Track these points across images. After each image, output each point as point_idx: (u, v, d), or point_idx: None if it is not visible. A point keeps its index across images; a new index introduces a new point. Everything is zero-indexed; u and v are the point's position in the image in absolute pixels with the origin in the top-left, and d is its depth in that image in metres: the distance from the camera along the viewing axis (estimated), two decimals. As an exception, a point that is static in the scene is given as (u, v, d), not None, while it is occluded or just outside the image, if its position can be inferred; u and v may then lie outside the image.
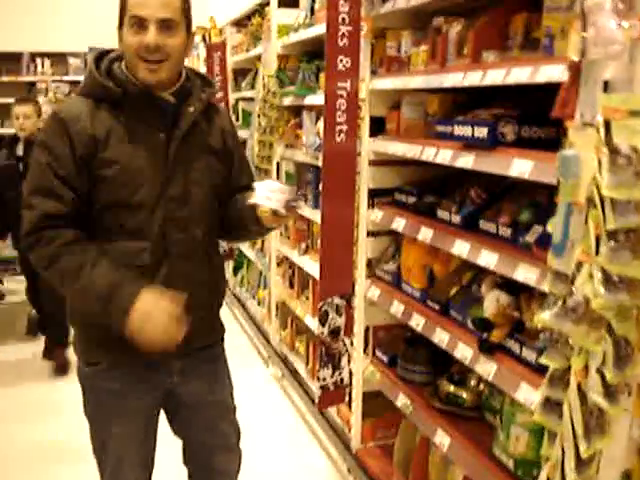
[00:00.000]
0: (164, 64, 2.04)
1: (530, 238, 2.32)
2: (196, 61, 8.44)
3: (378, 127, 3.37)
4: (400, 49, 3.29)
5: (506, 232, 2.51)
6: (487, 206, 2.75)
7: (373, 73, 3.32)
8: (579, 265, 1.68)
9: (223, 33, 7.22)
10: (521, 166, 2.15)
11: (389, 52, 3.36)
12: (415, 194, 3.21)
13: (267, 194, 2.08)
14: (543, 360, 1.86)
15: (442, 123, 2.84)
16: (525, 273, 2.21)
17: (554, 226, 1.76)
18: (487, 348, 2.43)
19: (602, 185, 1.59)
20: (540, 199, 2.54)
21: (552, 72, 2.01)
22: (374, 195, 3.40)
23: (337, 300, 3.30)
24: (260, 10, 5.62)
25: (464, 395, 2.96)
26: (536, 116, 2.38)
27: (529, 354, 2.30)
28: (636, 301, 1.63)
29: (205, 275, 2.22)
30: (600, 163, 1.60)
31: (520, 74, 2.18)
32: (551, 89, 1.89)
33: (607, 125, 1.60)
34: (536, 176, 2.08)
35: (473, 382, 3.02)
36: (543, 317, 1.72)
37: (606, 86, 1.64)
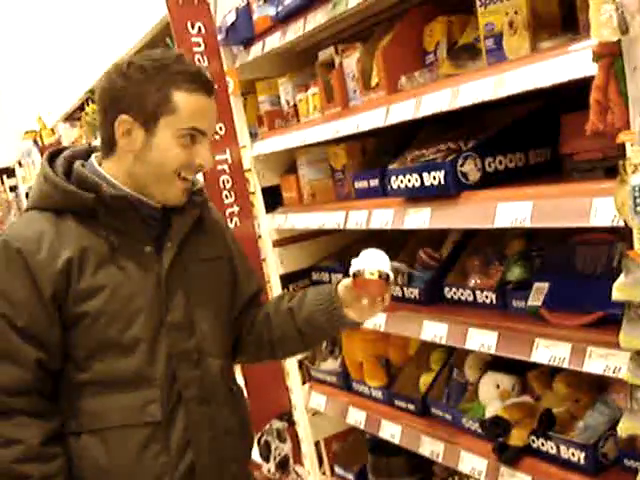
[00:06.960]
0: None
1: (535, 301, 1.73)
2: (32, 169, 7.55)
3: (273, 199, 2.74)
4: (279, 101, 2.69)
5: (490, 298, 1.92)
6: (446, 268, 2.16)
7: (253, 136, 2.70)
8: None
9: (56, 132, 6.46)
10: (513, 211, 1.56)
11: (263, 107, 2.76)
12: (341, 270, 2.58)
13: (367, 259, 1.58)
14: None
15: (363, 177, 2.24)
16: (548, 352, 1.61)
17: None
18: (510, 457, 1.80)
19: None
20: (517, 247, 1.97)
21: (536, 74, 1.45)
22: (288, 281, 2.76)
23: (276, 424, 2.60)
24: (92, 97, 4.92)
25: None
26: (495, 141, 1.82)
27: (573, 452, 1.70)
28: None
29: (231, 418, 1.74)
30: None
31: (479, 91, 1.61)
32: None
33: (687, 127, 1.05)
34: (541, 221, 1.50)
35: (472, 483, 2.39)
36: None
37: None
